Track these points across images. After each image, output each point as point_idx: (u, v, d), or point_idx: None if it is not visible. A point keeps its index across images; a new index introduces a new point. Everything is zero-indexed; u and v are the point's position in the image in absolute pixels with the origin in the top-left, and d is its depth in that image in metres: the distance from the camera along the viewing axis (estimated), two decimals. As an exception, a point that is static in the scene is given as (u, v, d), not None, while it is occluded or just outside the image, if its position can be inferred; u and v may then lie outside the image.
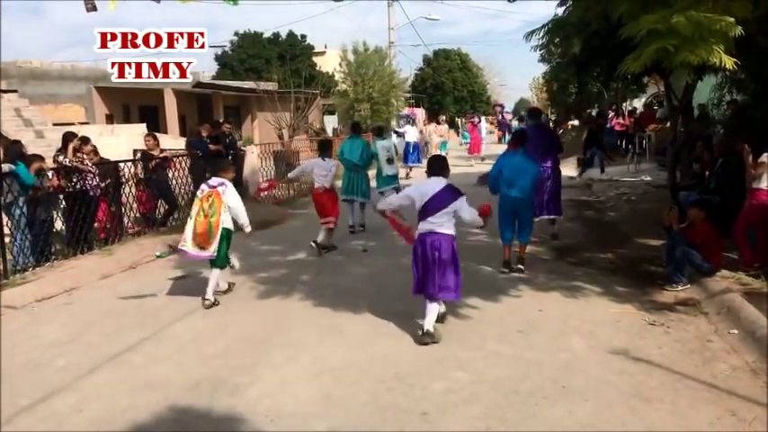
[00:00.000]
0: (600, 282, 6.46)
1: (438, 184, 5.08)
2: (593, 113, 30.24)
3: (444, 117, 33.21)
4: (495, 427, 3.56)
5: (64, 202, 8.14)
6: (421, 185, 5.23)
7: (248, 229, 6.45)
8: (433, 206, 4.98)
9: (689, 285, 6.03)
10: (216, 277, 6.17)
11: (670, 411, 3.67)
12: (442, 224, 4.99)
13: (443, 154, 22.99)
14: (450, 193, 5.03)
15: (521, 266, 6.96)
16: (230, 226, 6.24)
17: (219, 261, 6.17)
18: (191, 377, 4.34)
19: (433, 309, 4.97)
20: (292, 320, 5.57)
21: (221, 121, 15.49)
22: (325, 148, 8.54)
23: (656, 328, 5.07)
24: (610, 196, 12.36)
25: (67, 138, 8.62)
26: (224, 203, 6.12)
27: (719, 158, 7.83)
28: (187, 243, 6.10)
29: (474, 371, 4.32)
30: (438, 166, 5.32)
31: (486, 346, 4.78)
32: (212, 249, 6.06)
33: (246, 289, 6.65)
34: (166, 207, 10.11)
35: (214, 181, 6.30)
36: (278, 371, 4.43)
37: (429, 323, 4.91)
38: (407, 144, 19.52)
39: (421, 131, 22.59)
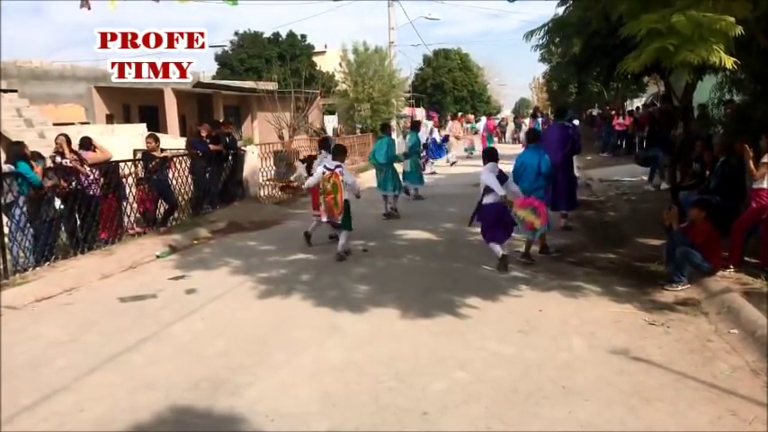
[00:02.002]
0: (600, 281, 6.46)
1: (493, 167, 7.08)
2: (594, 113, 30.26)
3: (472, 115, 33.12)
4: (496, 426, 3.56)
5: (61, 202, 8.11)
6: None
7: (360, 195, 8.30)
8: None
9: (689, 285, 6.03)
10: (345, 237, 7.82)
11: (670, 411, 3.67)
12: (496, 198, 6.97)
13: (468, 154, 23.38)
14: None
15: (541, 254, 7.62)
16: (348, 197, 7.77)
17: (346, 225, 7.79)
18: (191, 377, 4.34)
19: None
20: (292, 320, 5.57)
21: (221, 120, 15.50)
22: (324, 146, 9.32)
23: (657, 328, 5.07)
24: (610, 196, 12.37)
25: (58, 138, 8.73)
26: (343, 182, 7.59)
27: (720, 158, 7.83)
28: (321, 213, 7.88)
29: (474, 371, 4.32)
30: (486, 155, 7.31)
31: (486, 346, 4.78)
32: (340, 218, 7.66)
33: (246, 289, 6.65)
34: (167, 207, 10.11)
35: (331, 164, 7.73)
36: (278, 371, 4.43)
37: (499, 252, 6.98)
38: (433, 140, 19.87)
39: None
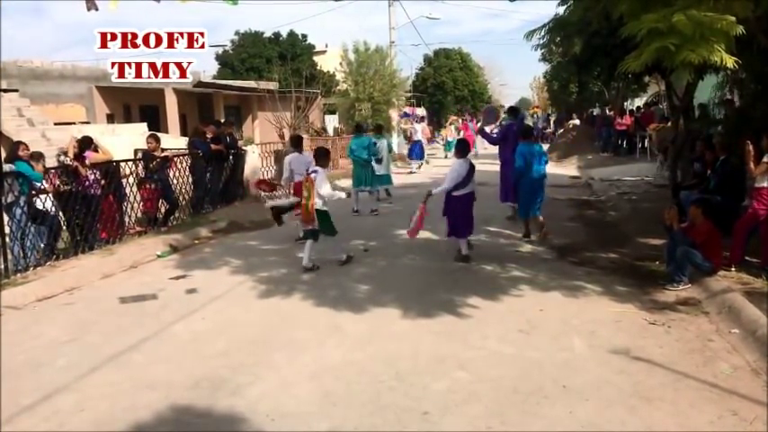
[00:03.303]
0: (601, 281, 6.46)
1: (466, 161, 7.47)
2: (595, 112, 30.20)
3: (455, 117, 33.31)
4: (496, 426, 3.56)
5: (55, 202, 8.11)
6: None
7: (343, 195, 7.69)
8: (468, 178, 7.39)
9: (690, 285, 6.03)
10: (309, 247, 7.30)
11: (671, 411, 3.67)
12: (471, 188, 7.44)
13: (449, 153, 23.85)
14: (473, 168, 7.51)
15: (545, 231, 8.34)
16: (324, 207, 7.24)
17: (324, 233, 7.33)
18: (191, 377, 4.35)
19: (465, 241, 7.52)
20: (293, 320, 5.58)
21: (222, 120, 15.48)
22: (297, 144, 9.39)
23: (657, 328, 5.07)
24: (611, 196, 12.36)
25: (84, 141, 8.82)
26: (315, 188, 7.09)
27: (720, 157, 7.83)
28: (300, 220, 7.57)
29: (475, 370, 4.32)
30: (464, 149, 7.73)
31: (486, 346, 4.78)
32: (314, 224, 7.23)
33: (247, 288, 6.65)
34: (167, 206, 10.11)
35: (312, 168, 7.35)
36: (278, 370, 4.43)
37: (467, 248, 7.49)
38: (415, 143, 20.07)
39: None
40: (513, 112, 11.37)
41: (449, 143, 25.45)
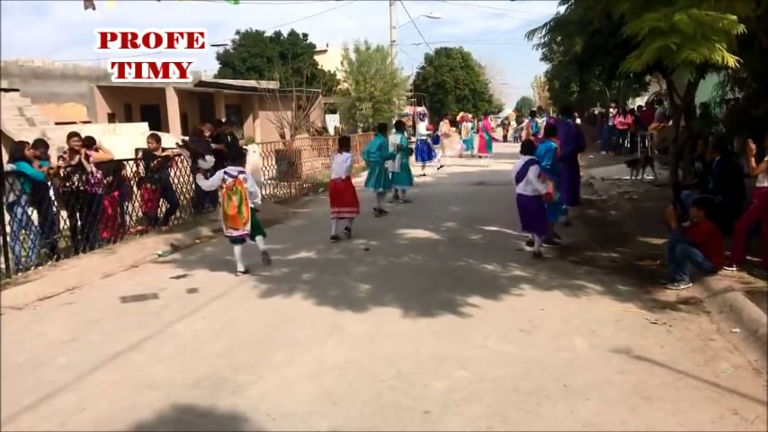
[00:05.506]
0: (602, 280, 6.46)
1: (523, 159, 7.40)
2: (596, 111, 30.18)
3: (470, 115, 33.21)
4: (497, 425, 3.56)
5: (55, 201, 8.11)
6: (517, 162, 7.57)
7: (259, 205, 7.60)
8: (519, 176, 7.37)
9: (691, 284, 6.02)
10: (263, 242, 7.32)
11: (671, 410, 3.67)
12: (525, 189, 7.31)
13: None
14: (526, 166, 7.28)
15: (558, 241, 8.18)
16: (254, 206, 7.21)
17: (257, 232, 7.27)
18: (192, 376, 4.35)
19: (536, 239, 7.58)
20: (294, 319, 5.58)
21: (223, 120, 15.46)
22: (343, 143, 9.59)
23: (658, 327, 5.06)
24: (612, 195, 12.34)
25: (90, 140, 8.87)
26: (246, 189, 6.99)
27: (715, 159, 7.84)
28: (226, 227, 7.17)
29: (476, 370, 4.32)
30: (526, 147, 7.76)
31: (487, 345, 4.78)
32: (247, 228, 7.05)
33: (248, 288, 6.65)
34: (168, 206, 10.11)
35: (233, 171, 7.10)
36: (280, 370, 4.43)
37: (537, 246, 7.56)
38: (419, 141, 19.60)
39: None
40: (567, 111, 11.24)
41: (465, 141, 25.41)
